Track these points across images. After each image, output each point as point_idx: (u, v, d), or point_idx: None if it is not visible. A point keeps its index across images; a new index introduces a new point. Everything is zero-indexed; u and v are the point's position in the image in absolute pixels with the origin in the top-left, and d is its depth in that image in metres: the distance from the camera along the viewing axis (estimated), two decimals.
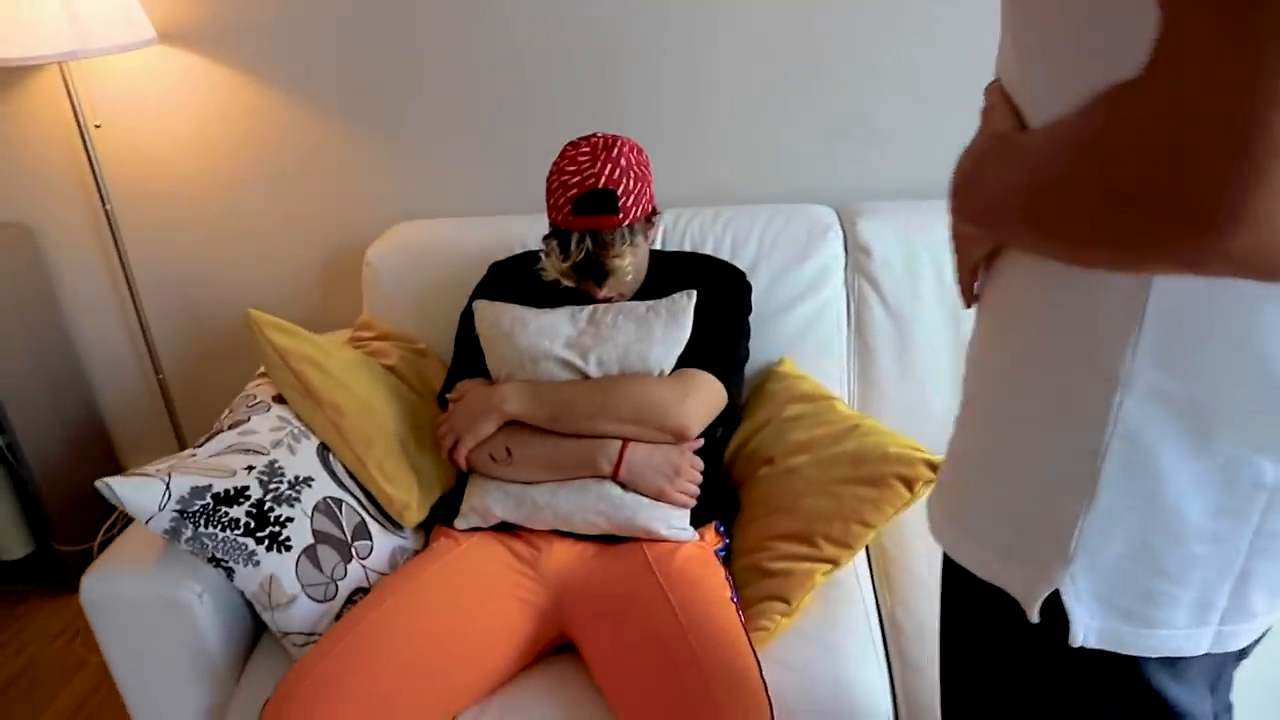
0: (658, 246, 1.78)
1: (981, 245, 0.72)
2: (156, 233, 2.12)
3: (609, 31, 1.87)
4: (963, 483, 0.74)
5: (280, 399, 1.55)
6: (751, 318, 1.62)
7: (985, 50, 1.80)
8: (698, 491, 1.42)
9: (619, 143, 1.46)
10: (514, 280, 1.63)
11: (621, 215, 1.41)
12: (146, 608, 1.35)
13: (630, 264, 1.44)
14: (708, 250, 1.77)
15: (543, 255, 1.49)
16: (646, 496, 1.39)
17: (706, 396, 1.46)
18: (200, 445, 1.45)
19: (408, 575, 1.35)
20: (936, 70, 1.84)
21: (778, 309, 1.73)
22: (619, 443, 1.41)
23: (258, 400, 1.55)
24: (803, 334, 1.73)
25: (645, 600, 1.27)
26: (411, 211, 2.03)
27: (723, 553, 1.43)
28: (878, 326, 1.73)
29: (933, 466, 1.34)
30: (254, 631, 1.47)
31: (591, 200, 1.41)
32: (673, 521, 1.39)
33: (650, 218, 1.52)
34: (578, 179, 1.41)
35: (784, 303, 1.73)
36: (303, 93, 1.97)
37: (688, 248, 1.79)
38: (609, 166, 1.41)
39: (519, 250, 1.76)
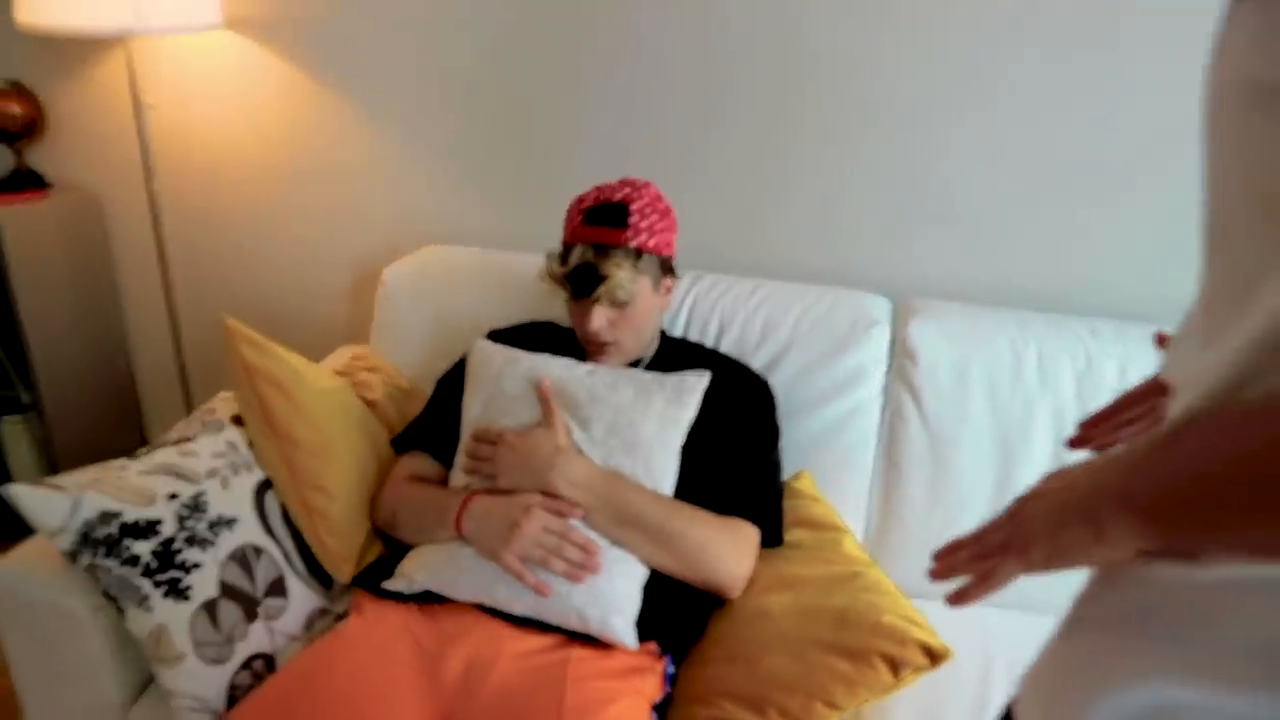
0: (679, 335, 1.51)
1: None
2: (197, 216, 1.97)
3: (676, 80, 1.62)
4: None
5: (239, 420, 1.35)
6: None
7: (1080, 139, 1.48)
8: (549, 562, 1.12)
9: (648, 184, 1.31)
10: (515, 343, 1.40)
11: (630, 232, 1.25)
12: (42, 610, 1.17)
13: (628, 280, 1.23)
14: (734, 329, 1.49)
15: (543, 270, 1.32)
16: (487, 559, 1.15)
17: (754, 555, 1.23)
18: (137, 456, 1.26)
19: (298, 681, 1.09)
20: (1025, 156, 1.51)
21: (801, 406, 1.43)
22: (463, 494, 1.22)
23: (214, 417, 1.35)
24: (825, 441, 1.42)
25: None
26: (447, 235, 1.81)
27: (660, 704, 1.12)
28: (912, 445, 1.41)
29: (929, 652, 1.03)
30: None
31: (603, 211, 1.27)
32: (611, 616, 1.11)
33: (665, 268, 1.33)
34: (595, 195, 1.31)
35: (809, 400, 1.43)
36: (360, 98, 1.79)
37: (715, 320, 1.51)
38: (630, 190, 1.29)
39: (535, 296, 1.53)
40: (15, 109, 1.95)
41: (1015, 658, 1.29)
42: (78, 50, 1.90)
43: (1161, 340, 0.69)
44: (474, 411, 1.31)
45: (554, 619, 1.13)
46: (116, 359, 2.13)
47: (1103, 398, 1.37)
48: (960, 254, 1.60)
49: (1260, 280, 0.44)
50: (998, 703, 1.20)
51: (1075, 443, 0.75)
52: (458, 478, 1.29)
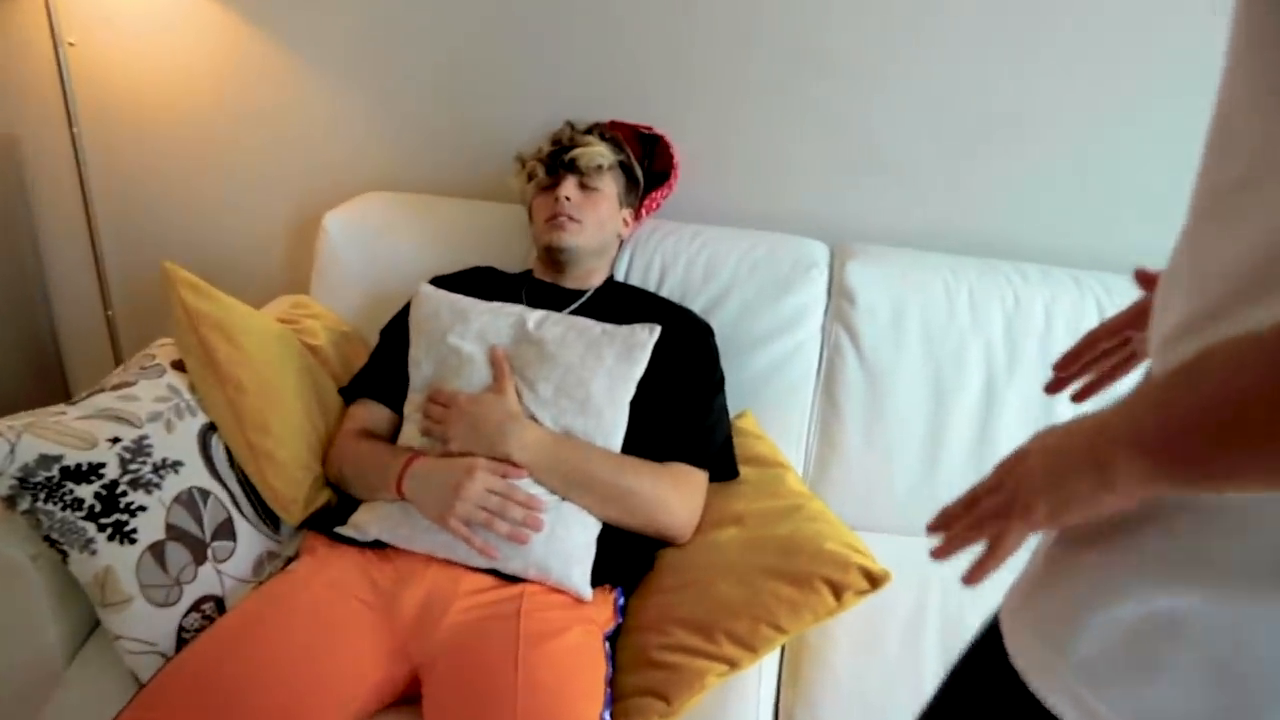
0: (622, 279, 1.52)
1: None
2: (123, 161, 1.89)
3: (615, 29, 1.61)
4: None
5: (179, 365, 1.32)
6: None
7: (1008, 96, 1.53)
8: (493, 524, 1.11)
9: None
10: (458, 289, 1.39)
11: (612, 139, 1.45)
12: None
13: (601, 156, 1.38)
14: (676, 273, 1.50)
15: (518, 164, 1.48)
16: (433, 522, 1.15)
17: (701, 500, 1.27)
18: (75, 402, 1.23)
19: (252, 619, 1.08)
20: (959, 112, 1.55)
21: (742, 346, 1.45)
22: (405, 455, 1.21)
23: (154, 362, 1.32)
24: (767, 378, 1.46)
25: (495, 686, 0.99)
26: (386, 181, 1.78)
27: (611, 634, 1.15)
28: (850, 382, 1.46)
29: (869, 575, 1.07)
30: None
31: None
32: (571, 569, 1.13)
33: (632, 195, 1.47)
34: None
35: (751, 339, 1.46)
36: (295, 42, 1.73)
37: (657, 264, 1.52)
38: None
39: (476, 243, 1.54)
40: None
41: (949, 585, 1.35)
42: None
43: (1142, 278, 0.68)
44: (425, 369, 1.31)
45: (514, 572, 1.14)
46: (36, 311, 2.05)
47: (1030, 335, 1.43)
48: (894, 201, 1.64)
49: (1264, 179, 0.42)
50: (932, 625, 1.25)
51: (1051, 388, 0.73)
52: (409, 434, 1.29)
